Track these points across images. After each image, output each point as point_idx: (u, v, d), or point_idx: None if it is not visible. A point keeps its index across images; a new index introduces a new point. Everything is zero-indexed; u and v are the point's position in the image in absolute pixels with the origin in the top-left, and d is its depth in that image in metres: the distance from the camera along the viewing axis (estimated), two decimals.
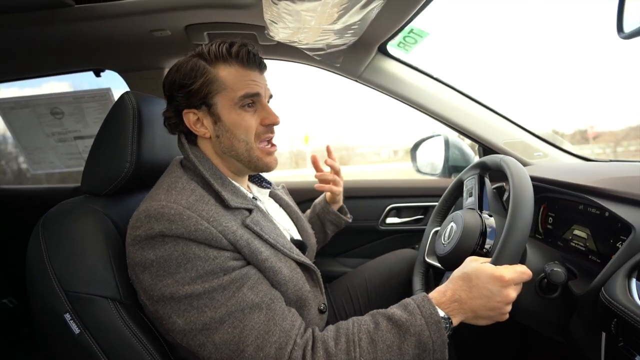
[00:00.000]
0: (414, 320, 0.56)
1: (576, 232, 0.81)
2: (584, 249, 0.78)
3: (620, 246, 0.67)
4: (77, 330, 0.62)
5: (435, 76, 1.19)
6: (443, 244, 0.79)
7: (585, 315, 0.64)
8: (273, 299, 0.59)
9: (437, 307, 0.58)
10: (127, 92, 0.75)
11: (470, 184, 0.88)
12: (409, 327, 0.56)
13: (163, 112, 0.73)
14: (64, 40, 1.04)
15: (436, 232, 0.94)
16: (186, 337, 0.56)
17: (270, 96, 0.75)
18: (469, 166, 0.91)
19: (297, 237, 0.84)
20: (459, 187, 0.94)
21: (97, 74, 1.29)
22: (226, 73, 0.67)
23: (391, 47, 1.11)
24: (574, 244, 0.81)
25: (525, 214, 0.60)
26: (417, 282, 0.87)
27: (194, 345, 0.56)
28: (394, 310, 0.59)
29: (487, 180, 0.86)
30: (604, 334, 0.59)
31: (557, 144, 1.19)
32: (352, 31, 0.84)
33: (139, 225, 0.59)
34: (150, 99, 0.80)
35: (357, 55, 1.10)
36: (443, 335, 0.55)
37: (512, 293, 0.58)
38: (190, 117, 0.68)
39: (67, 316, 0.63)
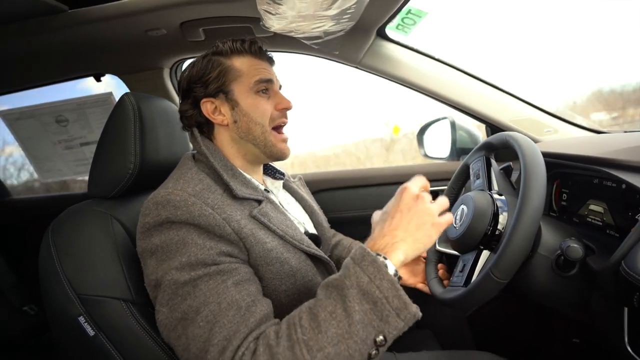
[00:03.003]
0: (347, 272, 0.50)
1: (592, 207, 0.78)
2: (601, 223, 0.76)
3: (639, 218, 0.65)
4: (92, 333, 0.64)
5: (437, 57, 1.16)
6: (455, 227, 0.78)
7: (606, 292, 0.62)
8: (256, 302, 0.55)
9: (368, 249, 0.52)
10: (127, 94, 0.75)
11: (477, 166, 0.86)
12: (344, 281, 0.49)
13: (179, 109, 0.76)
14: (61, 47, 1.04)
15: None
16: (167, 329, 0.55)
17: (280, 86, 0.79)
18: (473, 149, 0.89)
19: (312, 230, 0.84)
20: (465, 172, 0.92)
21: (97, 79, 1.29)
22: (240, 63, 0.73)
23: (390, 30, 1.08)
24: (590, 220, 0.79)
25: (538, 187, 0.58)
26: (431, 271, 0.86)
27: (173, 338, 0.55)
28: (330, 276, 0.53)
29: (493, 161, 0.84)
30: (626, 309, 0.57)
31: (568, 118, 1.15)
32: (348, 16, 0.82)
33: (148, 212, 0.60)
34: (151, 98, 0.80)
35: (355, 41, 1.08)
36: (386, 275, 0.48)
37: (426, 196, 0.57)
38: (208, 107, 0.72)
39: (81, 319, 0.64)
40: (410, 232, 0.54)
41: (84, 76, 1.27)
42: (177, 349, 0.55)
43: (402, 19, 0.97)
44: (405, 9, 0.93)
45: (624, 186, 0.70)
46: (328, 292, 0.50)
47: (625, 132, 0.98)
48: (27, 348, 1.61)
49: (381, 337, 0.47)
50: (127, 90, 1.27)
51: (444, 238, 0.88)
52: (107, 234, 0.69)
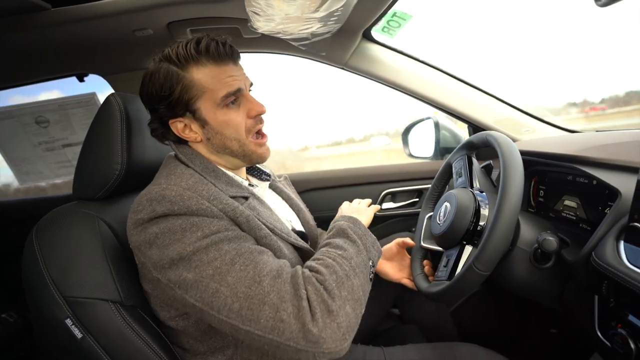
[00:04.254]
0: (337, 225, 0.70)
1: (566, 202, 0.83)
2: (574, 218, 0.80)
3: (608, 212, 0.69)
4: (79, 335, 0.63)
5: (421, 59, 1.19)
6: (439, 223, 0.81)
7: (579, 281, 0.66)
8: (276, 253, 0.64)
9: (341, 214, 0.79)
10: (113, 94, 0.75)
11: (459, 165, 0.89)
12: (340, 227, 0.69)
13: (148, 124, 0.72)
14: (43, 45, 1.02)
15: (430, 216, 0.95)
16: (199, 290, 0.54)
17: (251, 84, 0.72)
18: (455, 149, 0.92)
19: (300, 228, 0.84)
20: (448, 171, 0.96)
21: (81, 79, 1.26)
22: (201, 75, 0.64)
23: (376, 33, 1.11)
24: (565, 214, 0.83)
25: (516, 184, 0.61)
26: (417, 267, 0.89)
27: (207, 297, 0.53)
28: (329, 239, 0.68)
29: (474, 160, 0.87)
30: (596, 297, 0.61)
31: (545, 118, 1.21)
32: (335, 18, 0.84)
33: (141, 209, 0.59)
34: (137, 99, 0.80)
35: (342, 42, 1.10)
36: (359, 223, 0.70)
37: (359, 205, 0.95)
38: (177, 126, 0.68)
39: (69, 321, 0.63)
40: (356, 213, 0.84)
41: (66, 76, 1.24)
42: (214, 303, 0.53)
43: (388, 22, 1.00)
44: (390, 12, 0.96)
45: (594, 182, 0.74)
46: (333, 237, 0.68)
47: (597, 131, 1.04)
48: (6, 356, 1.56)
49: (371, 262, 0.66)
50: (112, 91, 1.25)
51: (429, 235, 0.91)
52: (94, 236, 0.68)
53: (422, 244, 0.90)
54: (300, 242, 0.71)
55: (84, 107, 1.38)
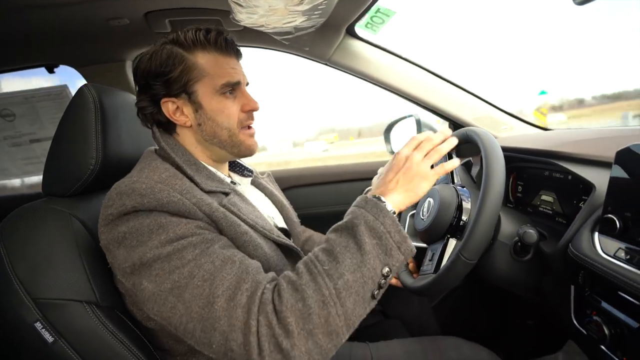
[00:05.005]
0: (354, 215, 0.55)
1: (543, 197, 0.86)
2: (551, 212, 0.83)
3: (582, 205, 0.72)
4: (50, 339, 0.59)
5: (404, 56, 1.21)
6: (422, 218, 0.82)
7: (556, 273, 0.68)
8: (247, 258, 0.56)
9: (367, 195, 0.57)
10: (86, 85, 0.71)
11: (440, 162, 0.91)
12: (353, 221, 0.54)
13: (136, 103, 0.70)
14: (9, 33, 0.96)
15: (412, 214, 0.96)
16: (157, 304, 0.52)
17: (247, 83, 0.74)
18: None
19: (282, 225, 0.83)
20: None
21: (50, 70, 1.20)
22: (205, 60, 0.66)
23: (359, 29, 1.11)
24: (542, 209, 0.86)
25: (499, 173, 0.62)
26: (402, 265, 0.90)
27: (165, 311, 0.52)
28: (336, 223, 0.58)
29: (454, 156, 0.89)
30: (572, 287, 0.63)
31: (521, 117, 1.25)
32: (319, 12, 0.83)
33: (111, 204, 0.57)
34: (112, 91, 0.76)
35: (325, 38, 1.09)
36: (388, 213, 0.54)
37: (415, 156, 0.61)
38: (169, 106, 0.67)
39: (38, 325, 0.59)
40: (400, 184, 0.59)
41: (35, 66, 1.17)
42: (172, 320, 0.52)
43: (371, 18, 1.00)
44: (374, 8, 0.96)
45: (570, 177, 0.77)
46: (338, 233, 0.54)
47: (569, 129, 1.08)
48: None
49: (387, 269, 0.52)
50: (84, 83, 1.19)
51: (412, 232, 0.92)
52: (66, 233, 0.65)
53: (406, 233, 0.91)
54: (283, 239, 0.70)
55: (54, 100, 1.31)
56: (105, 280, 0.65)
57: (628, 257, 0.52)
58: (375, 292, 0.52)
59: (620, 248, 0.53)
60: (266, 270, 0.62)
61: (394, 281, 0.89)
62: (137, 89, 0.70)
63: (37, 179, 1.70)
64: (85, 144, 0.68)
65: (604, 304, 0.55)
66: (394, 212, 0.56)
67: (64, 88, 1.29)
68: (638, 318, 0.49)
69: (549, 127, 1.21)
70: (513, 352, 0.84)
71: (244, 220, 0.64)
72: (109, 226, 0.57)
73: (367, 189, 0.64)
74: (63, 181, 0.70)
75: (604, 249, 0.56)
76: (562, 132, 1.04)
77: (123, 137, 0.75)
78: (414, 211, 0.93)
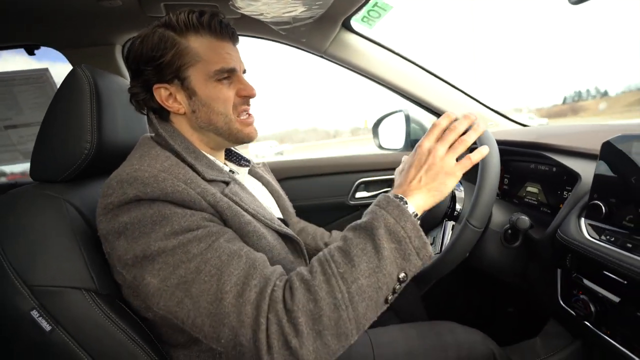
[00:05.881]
0: (374, 216, 0.52)
1: (529, 188, 0.91)
2: (536, 202, 0.88)
3: (566, 196, 0.77)
4: (48, 328, 0.57)
5: (397, 51, 1.23)
6: None
7: (543, 258, 0.73)
8: (253, 252, 0.56)
9: (390, 196, 0.55)
10: (82, 66, 0.68)
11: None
12: (373, 222, 0.51)
13: (129, 89, 0.67)
14: None
15: None
16: (163, 299, 0.52)
17: (244, 71, 0.72)
18: None
19: (279, 215, 0.83)
20: None
21: (31, 52, 1.13)
22: (198, 44, 0.63)
23: (355, 22, 1.12)
24: (527, 200, 0.91)
25: (496, 150, 0.67)
26: None
27: (172, 305, 0.51)
28: (355, 222, 0.55)
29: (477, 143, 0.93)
30: (559, 271, 0.68)
31: (506, 114, 1.31)
32: (320, 2, 0.84)
33: (111, 192, 0.55)
34: (107, 75, 0.74)
35: (322, 30, 1.10)
36: (410, 217, 0.52)
37: (439, 149, 0.56)
38: (161, 93, 0.64)
39: (35, 313, 0.57)
40: (424, 182, 0.56)
41: (14, 47, 1.11)
42: (179, 314, 0.51)
43: (368, 11, 1.02)
44: (372, 1, 0.98)
45: (555, 169, 0.82)
46: (357, 233, 0.52)
47: (549, 125, 1.15)
48: None
49: (403, 274, 0.51)
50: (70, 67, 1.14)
51: None
52: (61, 219, 0.62)
53: None
54: (284, 229, 0.70)
55: (33, 84, 1.24)
56: (104, 268, 0.63)
57: (612, 239, 0.56)
58: (389, 297, 0.51)
59: (606, 230, 0.58)
60: (270, 260, 0.62)
61: None
62: (130, 74, 0.68)
63: (9, 168, 1.62)
64: (79, 128, 0.66)
65: (590, 284, 0.59)
66: (416, 215, 0.54)
67: (44, 72, 1.22)
68: (620, 293, 0.54)
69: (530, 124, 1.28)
70: (497, 338, 0.88)
71: (246, 210, 0.64)
72: (109, 215, 0.55)
73: (383, 192, 0.62)
74: (54, 166, 0.67)
75: (590, 232, 0.60)
76: (543, 128, 1.10)
77: (118, 122, 0.73)
78: None
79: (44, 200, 0.64)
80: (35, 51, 1.15)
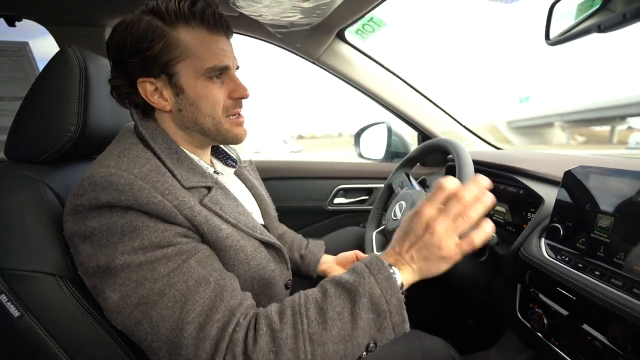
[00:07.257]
0: (362, 280, 0.49)
1: (497, 207, 0.97)
2: (503, 221, 0.94)
3: (530, 217, 0.83)
4: (16, 313, 0.55)
5: (386, 66, 1.28)
6: (394, 219, 0.88)
7: (506, 273, 0.78)
8: (224, 276, 0.54)
9: (385, 262, 0.51)
10: (72, 45, 0.67)
11: (399, 180, 1.00)
12: (358, 288, 0.49)
13: (109, 80, 0.62)
14: None
15: (378, 231, 1.01)
16: (121, 315, 0.50)
17: (237, 67, 0.66)
18: (393, 170, 1.03)
19: (260, 220, 0.82)
20: (388, 192, 1.06)
21: (11, 23, 1.08)
22: (190, 37, 0.58)
23: (349, 34, 1.16)
24: (495, 218, 0.97)
25: (470, 165, 0.75)
26: None
27: (129, 324, 0.50)
28: (343, 274, 0.52)
29: (410, 176, 0.99)
30: (519, 285, 0.74)
31: (481, 135, 1.39)
32: (319, 11, 0.86)
33: (82, 193, 0.52)
34: (98, 57, 0.72)
35: (316, 38, 1.13)
36: (397, 292, 0.49)
37: (439, 225, 0.49)
38: (146, 87, 0.60)
39: (3, 297, 0.55)
40: (417, 260, 0.52)
41: None
42: (136, 333, 0.50)
43: (363, 25, 1.06)
44: (368, 16, 1.02)
45: (521, 191, 0.89)
46: (338, 292, 0.50)
47: (518, 150, 1.24)
48: None
49: (372, 344, 0.49)
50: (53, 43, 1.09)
51: (381, 246, 0.97)
52: (38, 202, 0.60)
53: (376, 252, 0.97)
54: (267, 237, 0.69)
55: (10, 57, 1.18)
56: None
57: (567, 259, 0.62)
58: None
59: (562, 251, 0.64)
60: (247, 273, 0.63)
61: None
62: (111, 63, 0.62)
63: None
64: (65, 109, 0.64)
65: (545, 298, 0.65)
66: (402, 289, 0.51)
67: (24, 45, 1.16)
68: (568, 308, 0.60)
69: (502, 147, 1.37)
70: (457, 347, 0.93)
71: (226, 220, 0.62)
72: (77, 217, 0.52)
73: (387, 249, 0.56)
74: (34, 146, 0.65)
75: (548, 252, 0.66)
76: (514, 152, 1.19)
77: (105, 107, 0.71)
78: (381, 227, 1.00)
79: (21, 181, 0.61)
80: (17, 23, 1.10)
